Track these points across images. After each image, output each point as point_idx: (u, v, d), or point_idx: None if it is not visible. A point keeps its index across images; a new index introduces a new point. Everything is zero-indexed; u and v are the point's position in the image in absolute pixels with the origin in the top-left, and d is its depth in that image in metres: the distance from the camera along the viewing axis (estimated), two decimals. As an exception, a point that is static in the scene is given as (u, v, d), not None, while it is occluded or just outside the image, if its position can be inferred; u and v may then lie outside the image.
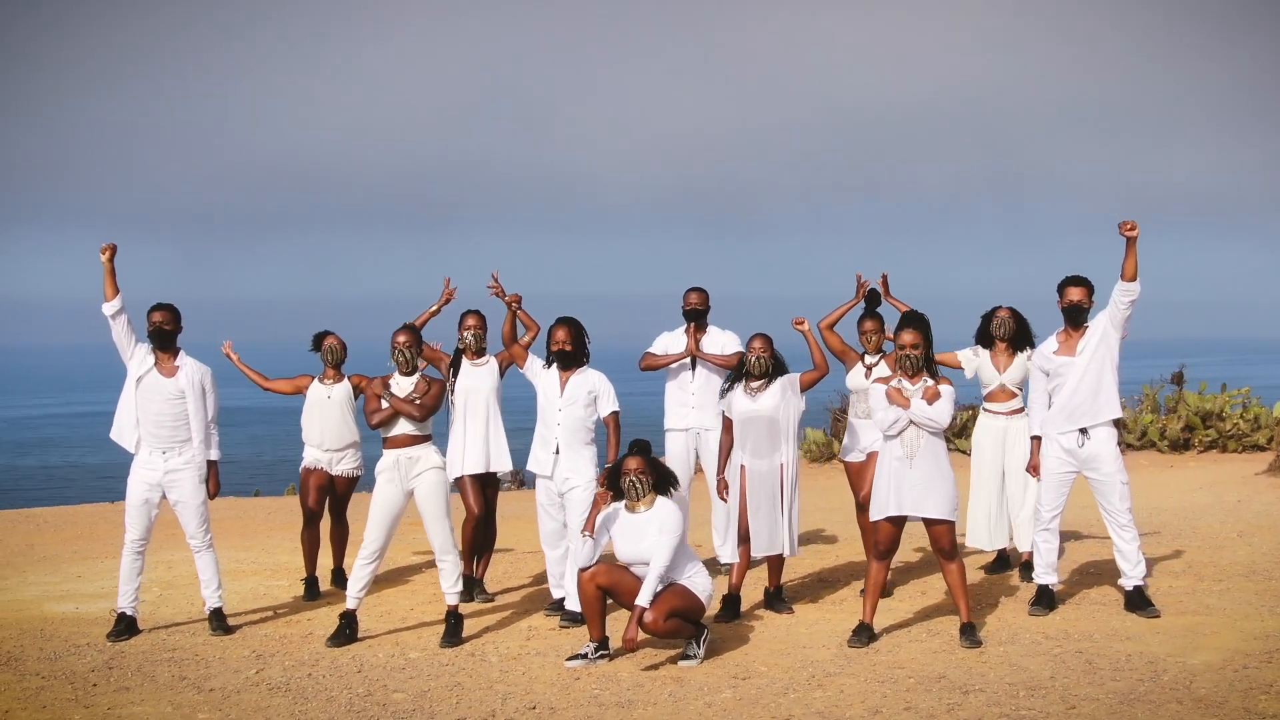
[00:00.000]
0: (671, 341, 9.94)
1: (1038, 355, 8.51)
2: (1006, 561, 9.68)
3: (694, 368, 9.78)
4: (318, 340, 9.55)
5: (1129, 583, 8.28)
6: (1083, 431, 8.19)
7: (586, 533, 7.50)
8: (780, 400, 8.43)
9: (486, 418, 9.21)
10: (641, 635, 7.27)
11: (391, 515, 7.98)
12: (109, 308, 8.18)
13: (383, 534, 7.97)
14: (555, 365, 8.50)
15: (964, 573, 7.77)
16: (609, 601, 7.51)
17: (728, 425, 8.62)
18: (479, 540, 9.33)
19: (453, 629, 7.99)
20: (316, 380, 9.48)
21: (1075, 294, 8.35)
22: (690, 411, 9.71)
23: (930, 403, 7.61)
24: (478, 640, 8.03)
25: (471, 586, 9.23)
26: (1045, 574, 8.39)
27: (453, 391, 9.24)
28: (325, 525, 9.61)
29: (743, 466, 8.49)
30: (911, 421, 7.61)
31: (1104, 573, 9.22)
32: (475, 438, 9.17)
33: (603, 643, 7.46)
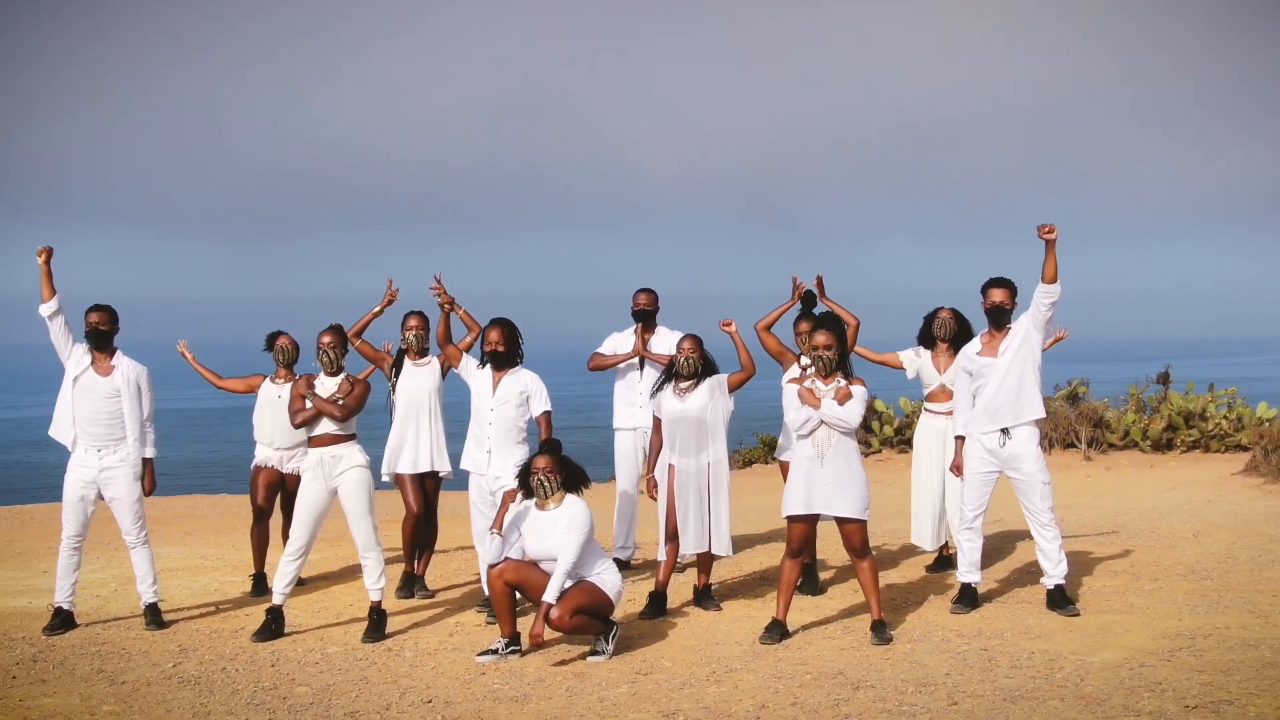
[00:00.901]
0: (620, 342, 10.10)
1: (961, 356, 8.57)
2: (949, 561, 9.72)
3: (642, 368, 9.94)
4: (270, 340, 9.72)
5: (1050, 581, 8.33)
6: (1004, 432, 8.25)
7: (495, 530, 7.63)
8: (708, 401, 8.53)
9: (428, 417, 9.36)
10: (550, 632, 7.38)
11: (316, 513, 8.13)
12: (46, 308, 8.39)
13: (307, 532, 8.12)
14: (489, 365, 8.63)
15: (875, 571, 7.83)
16: (519, 598, 7.63)
17: (657, 425, 8.73)
18: (419, 537, 9.46)
19: (375, 624, 8.13)
20: (268, 379, 9.66)
21: (997, 295, 8.42)
22: (639, 411, 9.88)
23: (841, 403, 7.68)
24: (401, 636, 8.16)
25: (412, 583, 9.38)
26: (968, 572, 8.44)
27: (394, 391, 9.41)
28: (276, 522, 9.78)
29: (671, 465, 8.59)
30: (823, 421, 7.69)
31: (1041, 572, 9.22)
32: (415, 437, 9.32)
33: (513, 638, 7.56)
